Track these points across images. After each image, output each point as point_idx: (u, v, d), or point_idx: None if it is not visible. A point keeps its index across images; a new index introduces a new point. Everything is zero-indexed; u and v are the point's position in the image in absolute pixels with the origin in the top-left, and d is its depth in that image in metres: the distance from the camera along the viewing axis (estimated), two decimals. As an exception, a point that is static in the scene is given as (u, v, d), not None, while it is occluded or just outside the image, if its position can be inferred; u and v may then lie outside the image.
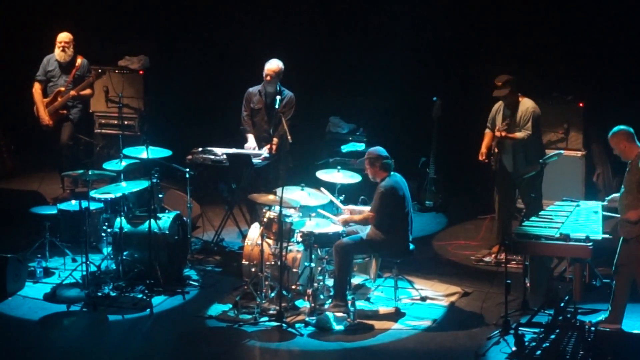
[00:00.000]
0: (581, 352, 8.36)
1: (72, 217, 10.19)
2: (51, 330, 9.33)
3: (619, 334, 8.61)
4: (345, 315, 9.20)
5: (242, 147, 11.19)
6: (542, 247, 8.75)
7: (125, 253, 10.08)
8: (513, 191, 11.01)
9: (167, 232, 10.13)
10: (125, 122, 13.21)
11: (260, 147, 11.14)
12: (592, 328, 8.60)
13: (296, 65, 13.00)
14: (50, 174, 13.11)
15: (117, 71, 13.67)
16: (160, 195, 10.56)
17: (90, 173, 9.85)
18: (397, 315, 9.46)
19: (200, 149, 11.15)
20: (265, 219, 9.64)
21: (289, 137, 10.34)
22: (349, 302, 9.29)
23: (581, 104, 12.19)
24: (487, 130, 11.00)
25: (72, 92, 12.17)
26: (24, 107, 12.69)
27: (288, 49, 12.94)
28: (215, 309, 9.55)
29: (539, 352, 8.54)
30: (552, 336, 8.72)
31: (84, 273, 9.83)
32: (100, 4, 14.54)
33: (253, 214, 11.15)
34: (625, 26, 12.61)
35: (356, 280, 10.00)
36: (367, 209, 9.66)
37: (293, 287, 9.62)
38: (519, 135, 10.65)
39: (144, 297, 9.67)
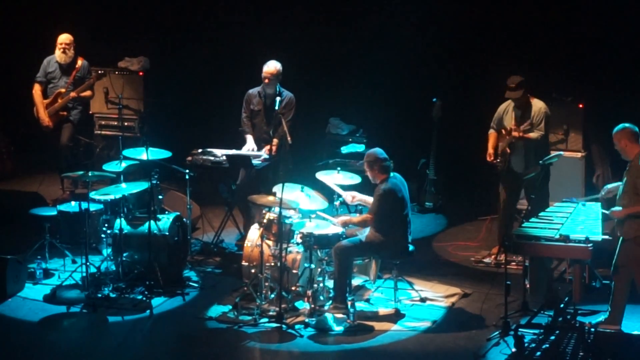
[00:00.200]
0: (581, 353, 8.36)
1: (72, 219, 10.20)
2: (51, 332, 9.33)
3: (618, 335, 8.61)
4: (345, 316, 9.20)
5: (242, 149, 11.19)
6: (541, 248, 8.76)
7: (125, 254, 10.08)
8: (519, 192, 11.00)
9: (167, 233, 10.13)
10: (125, 124, 13.20)
11: (259, 148, 11.14)
12: (592, 329, 8.60)
13: (296, 66, 13.01)
14: (50, 175, 13.10)
15: (117, 72, 13.67)
16: (160, 197, 10.56)
17: (90, 174, 9.86)
18: (396, 316, 9.46)
19: (200, 150, 11.15)
20: (265, 220, 9.64)
21: (289, 139, 10.34)
22: (349, 304, 9.29)
23: (581, 105, 12.18)
24: (492, 131, 10.97)
25: (73, 94, 12.18)
26: (24, 108, 12.70)
27: (288, 50, 12.95)
28: (215, 310, 9.55)
29: (538, 353, 8.54)
30: (552, 337, 8.72)
31: (84, 274, 9.83)
32: (100, 5, 14.54)
33: (247, 215, 11.19)
34: (625, 27, 12.62)
35: (356, 281, 10.01)
36: (371, 199, 9.63)
37: (293, 288, 9.62)
38: (533, 135, 10.64)
39: (144, 299, 9.67)
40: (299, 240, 9.58)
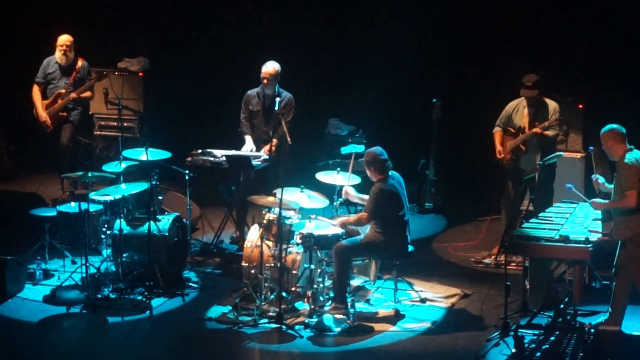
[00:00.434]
0: (581, 354, 8.36)
1: (72, 219, 10.21)
2: (51, 332, 9.32)
3: (618, 336, 8.60)
4: (344, 317, 9.20)
5: (241, 149, 11.18)
6: (541, 248, 8.75)
7: (124, 255, 10.08)
8: (525, 191, 11.01)
9: (166, 234, 10.13)
10: (125, 124, 13.19)
11: (258, 149, 11.14)
12: (592, 330, 8.59)
13: (296, 67, 13.00)
14: (50, 176, 13.10)
15: (116, 73, 13.66)
16: (160, 197, 10.56)
17: (89, 175, 9.85)
18: (396, 317, 9.46)
19: (199, 151, 11.15)
20: (264, 221, 9.64)
21: (289, 139, 10.34)
22: (349, 304, 9.29)
23: (581, 106, 12.18)
24: (498, 129, 10.95)
25: (73, 95, 12.17)
26: (23, 109, 12.69)
27: (288, 51, 12.95)
28: (215, 311, 9.55)
29: (538, 353, 8.54)
30: (552, 338, 8.72)
31: (84, 275, 9.83)
32: (100, 5, 14.54)
33: (242, 216, 11.20)
34: (625, 28, 12.62)
35: (356, 282, 10.00)
36: (367, 197, 9.63)
37: (293, 289, 9.62)
38: (550, 133, 10.67)
39: (144, 299, 9.66)
40: (299, 241, 9.58)
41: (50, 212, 10.48)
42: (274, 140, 10.97)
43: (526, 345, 8.59)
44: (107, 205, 10.34)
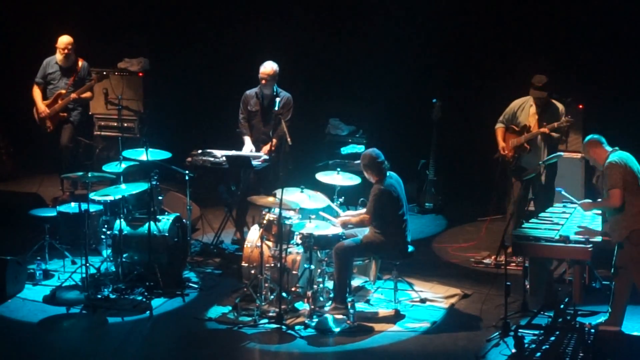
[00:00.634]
0: (581, 354, 8.35)
1: (72, 220, 10.21)
2: (51, 333, 9.32)
3: (618, 336, 8.60)
4: (344, 317, 9.20)
5: (241, 150, 11.19)
6: (541, 248, 8.76)
7: (124, 255, 10.08)
8: (529, 190, 11.01)
9: (166, 234, 10.13)
10: (125, 124, 13.20)
11: (257, 149, 11.14)
12: (592, 330, 8.59)
13: (296, 67, 13.02)
14: (50, 176, 13.10)
15: (116, 73, 13.67)
16: (160, 198, 10.56)
17: (89, 175, 9.85)
18: (396, 317, 9.45)
19: (199, 151, 11.14)
20: (265, 221, 9.64)
21: (289, 140, 10.34)
22: (349, 304, 9.28)
23: (581, 106, 12.19)
24: (501, 126, 10.94)
25: (73, 95, 12.17)
26: (23, 109, 12.69)
27: (287, 51, 12.96)
28: (215, 311, 9.54)
29: (538, 354, 8.54)
30: (552, 338, 8.71)
31: (84, 275, 9.82)
32: (100, 5, 14.54)
33: (241, 217, 11.20)
34: (625, 28, 12.62)
35: (356, 282, 10.00)
36: (363, 211, 9.66)
37: (293, 289, 9.62)
38: (556, 135, 10.70)
39: (144, 300, 9.66)
40: (299, 241, 9.59)
41: (50, 213, 10.48)
42: (274, 140, 10.98)
43: (526, 345, 8.58)
44: (107, 206, 10.34)
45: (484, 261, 11.00)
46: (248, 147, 11.16)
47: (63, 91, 12.22)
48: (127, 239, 10.09)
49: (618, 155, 8.70)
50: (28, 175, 13.97)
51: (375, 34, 13.94)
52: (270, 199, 9.59)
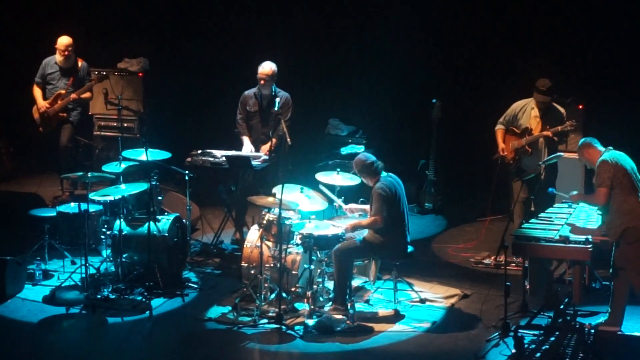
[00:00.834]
0: (581, 355, 8.35)
1: (72, 220, 10.19)
2: (50, 333, 9.32)
3: (618, 337, 8.60)
4: (344, 317, 9.20)
5: (240, 150, 11.19)
6: (541, 249, 8.76)
7: (124, 255, 10.08)
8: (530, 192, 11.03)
9: (166, 234, 10.13)
10: (125, 125, 13.20)
11: (257, 149, 11.15)
12: (592, 330, 8.59)
13: (295, 67, 13.03)
14: (50, 176, 13.10)
15: (116, 73, 13.67)
16: (160, 198, 10.56)
17: (89, 175, 9.85)
18: (396, 317, 9.45)
19: (199, 151, 11.14)
20: (264, 221, 9.64)
21: (288, 140, 10.34)
22: (349, 305, 9.28)
23: (581, 106, 12.19)
24: (501, 127, 10.94)
25: (73, 95, 12.17)
26: (23, 109, 12.69)
27: (287, 51, 12.96)
28: (215, 311, 9.54)
29: (538, 354, 8.53)
30: (552, 338, 8.71)
31: (83, 275, 9.82)
32: (100, 6, 14.54)
33: (241, 217, 11.20)
34: (625, 28, 12.62)
35: (356, 282, 10.00)
36: (368, 207, 9.63)
37: (292, 289, 9.62)
38: (557, 139, 10.70)
39: (143, 300, 9.66)
40: (299, 241, 9.58)
41: (50, 213, 10.47)
42: (273, 140, 10.98)
43: (526, 345, 8.58)
44: (106, 206, 10.33)
45: (484, 261, 11.00)
46: (247, 147, 11.16)
47: (63, 91, 12.22)
48: (127, 239, 10.09)
49: (610, 155, 8.75)
50: (28, 175, 13.98)
51: (376, 34, 13.95)
52: (270, 199, 9.59)
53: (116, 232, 10.07)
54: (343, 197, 10.21)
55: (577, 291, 8.75)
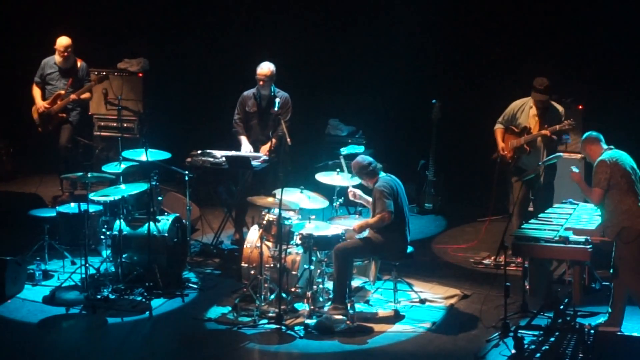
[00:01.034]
0: (580, 355, 8.35)
1: (71, 220, 10.20)
2: (50, 333, 9.31)
3: (618, 337, 8.60)
4: (344, 317, 9.20)
5: (240, 150, 11.19)
6: (541, 249, 8.76)
7: (124, 256, 10.08)
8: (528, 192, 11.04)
9: (166, 234, 10.13)
10: (125, 125, 13.20)
11: (256, 150, 11.14)
12: (592, 331, 8.59)
13: (295, 68, 13.02)
14: (49, 177, 13.10)
15: (116, 74, 13.67)
16: (160, 198, 10.56)
17: (89, 175, 9.85)
18: (396, 317, 9.45)
19: (199, 152, 11.14)
20: (264, 222, 9.64)
21: (288, 140, 10.34)
22: (348, 305, 9.28)
23: (580, 107, 12.19)
24: (500, 127, 10.94)
25: (73, 96, 12.18)
26: (23, 109, 12.69)
27: (287, 51, 12.95)
28: (215, 312, 9.54)
29: (538, 354, 8.54)
30: (552, 339, 8.72)
31: (83, 276, 9.82)
32: (100, 6, 14.54)
33: (240, 218, 11.20)
34: (625, 28, 12.62)
35: (355, 282, 10.00)
36: (370, 199, 9.62)
37: (292, 289, 9.62)
38: (556, 138, 10.71)
39: (143, 300, 9.66)
40: (299, 242, 9.58)
41: (50, 213, 10.48)
42: (273, 140, 10.98)
43: (526, 346, 8.58)
44: (106, 206, 10.34)
45: (484, 262, 11.00)
46: (246, 147, 11.16)
47: (62, 92, 12.22)
48: (127, 240, 10.09)
49: (610, 154, 8.76)
50: (28, 175, 13.98)
51: (375, 34, 13.93)
52: (270, 199, 9.59)
53: (116, 233, 10.07)
54: (342, 198, 10.22)
55: (577, 291, 8.74)
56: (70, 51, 12.16)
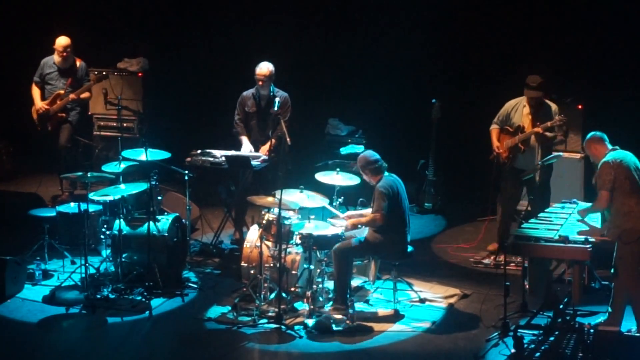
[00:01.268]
0: (580, 354, 8.35)
1: (71, 220, 10.21)
2: (50, 333, 9.32)
3: (618, 336, 8.60)
4: (344, 317, 9.20)
5: (240, 150, 11.19)
6: (541, 249, 8.75)
7: (124, 255, 10.08)
8: (522, 191, 11.03)
9: (166, 234, 10.13)
10: (124, 125, 13.20)
11: (256, 149, 11.15)
12: (592, 330, 8.59)
13: (295, 67, 13.02)
14: (49, 177, 13.10)
15: (116, 73, 13.66)
16: (159, 198, 10.56)
17: (89, 175, 9.85)
18: (396, 317, 9.45)
19: (199, 151, 11.15)
20: (264, 221, 9.64)
21: (288, 140, 10.34)
22: (348, 304, 9.28)
23: (580, 106, 12.18)
24: (495, 127, 10.96)
25: (72, 96, 12.18)
26: (23, 109, 12.69)
27: (287, 51, 12.95)
28: (214, 311, 9.55)
29: (538, 354, 8.53)
30: (551, 338, 8.71)
31: (83, 275, 9.83)
32: (100, 6, 14.54)
33: (240, 217, 11.20)
34: (625, 28, 12.61)
35: (355, 282, 10.00)
36: (367, 211, 9.65)
37: (292, 289, 9.62)
38: (550, 135, 10.72)
39: (143, 300, 9.66)
40: (298, 241, 9.58)
41: (50, 213, 10.48)
42: (272, 140, 10.98)
43: (525, 345, 8.58)
44: (106, 206, 10.34)
45: (484, 261, 11.00)
46: (246, 147, 11.16)
47: (61, 92, 12.22)
48: (127, 239, 10.09)
49: (614, 155, 8.74)
50: (28, 175, 13.97)
51: (375, 34, 13.93)
52: (270, 199, 9.59)
53: (116, 232, 10.07)
54: (342, 198, 10.21)
55: (577, 291, 8.74)
56: (69, 51, 12.16)
